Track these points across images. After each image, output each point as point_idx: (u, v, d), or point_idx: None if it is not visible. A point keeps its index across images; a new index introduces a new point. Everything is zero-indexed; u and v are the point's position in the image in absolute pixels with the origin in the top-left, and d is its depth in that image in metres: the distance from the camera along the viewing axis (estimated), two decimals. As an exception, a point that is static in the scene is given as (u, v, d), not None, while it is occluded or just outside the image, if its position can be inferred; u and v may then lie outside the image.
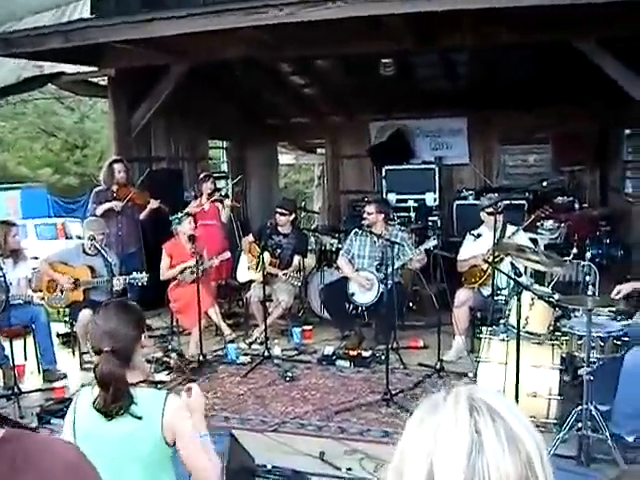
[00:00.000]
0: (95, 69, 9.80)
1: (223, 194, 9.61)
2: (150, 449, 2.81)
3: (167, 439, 2.80)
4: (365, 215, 8.02)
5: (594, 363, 4.78)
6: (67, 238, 21.23)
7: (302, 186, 30.01)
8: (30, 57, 8.85)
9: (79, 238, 18.05)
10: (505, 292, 6.10)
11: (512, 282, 5.69)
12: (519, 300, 5.01)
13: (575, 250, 7.51)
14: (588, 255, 7.33)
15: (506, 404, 1.16)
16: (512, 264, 5.58)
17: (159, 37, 7.65)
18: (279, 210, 8.54)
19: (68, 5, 8.49)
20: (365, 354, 7.45)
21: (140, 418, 2.77)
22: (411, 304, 9.30)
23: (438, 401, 1.16)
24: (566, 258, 6.92)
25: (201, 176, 9.74)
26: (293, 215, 8.68)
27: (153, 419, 2.79)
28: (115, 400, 2.76)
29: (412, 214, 11.27)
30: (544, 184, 10.45)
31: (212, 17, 6.95)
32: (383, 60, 10.56)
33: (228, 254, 8.44)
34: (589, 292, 4.78)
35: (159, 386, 3.13)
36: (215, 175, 10.74)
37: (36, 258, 10.46)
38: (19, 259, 7.31)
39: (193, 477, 2.86)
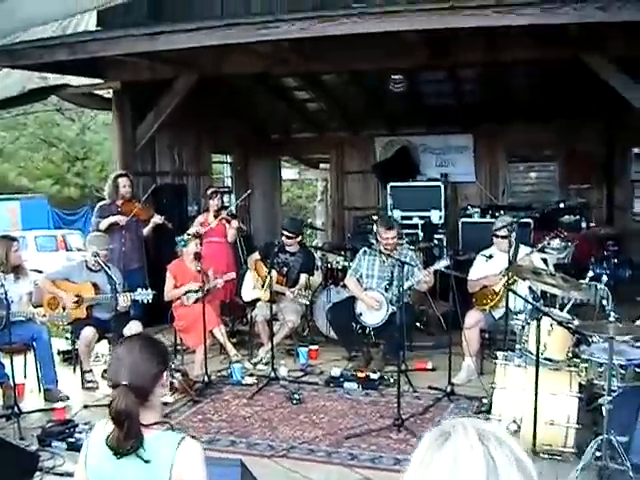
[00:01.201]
0: (100, 81, 9.70)
1: (230, 214, 9.44)
2: None
3: None
4: (384, 240, 7.68)
5: (614, 392, 4.65)
6: (67, 250, 21.10)
7: (304, 201, 29.94)
8: (35, 69, 8.74)
9: (79, 250, 18.01)
10: (521, 316, 5.95)
11: (529, 306, 5.56)
12: (538, 326, 4.87)
13: (591, 273, 7.38)
14: (604, 278, 7.21)
15: (504, 432, 1.32)
16: (530, 288, 5.45)
17: (166, 50, 7.56)
18: (285, 233, 8.41)
19: (74, 16, 8.38)
20: (373, 376, 7.30)
21: (148, 462, 2.61)
22: (419, 324, 9.16)
23: (448, 430, 1.30)
24: (582, 281, 6.79)
25: (209, 192, 9.61)
26: (300, 237, 8.57)
27: (162, 465, 2.62)
28: (127, 438, 2.60)
29: (419, 232, 11.14)
30: (561, 205, 10.32)
31: (222, 31, 6.84)
32: (393, 76, 10.48)
33: (233, 274, 8.29)
34: (611, 318, 4.63)
35: (175, 429, 2.92)
36: (222, 190, 10.62)
37: (37, 271, 10.36)
38: (20, 275, 7.16)
39: None
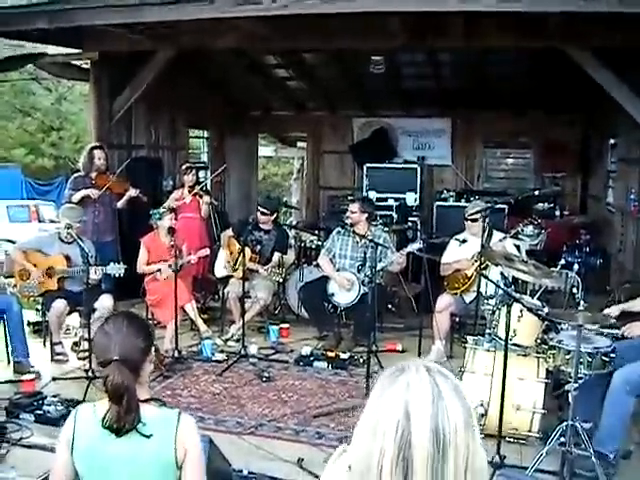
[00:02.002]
0: (78, 51, 9.58)
1: (204, 188, 9.42)
2: (158, 471, 2.65)
3: (179, 461, 2.65)
4: (348, 214, 7.91)
5: (581, 379, 4.70)
6: (39, 221, 20.89)
7: (280, 179, 29.88)
8: (13, 37, 8.63)
9: (52, 222, 17.84)
10: (492, 301, 5.99)
11: (500, 291, 5.60)
12: (509, 312, 4.91)
13: (563, 262, 7.44)
14: (575, 267, 7.27)
15: (448, 371, 1.62)
16: (502, 274, 5.49)
17: (146, 22, 7.49)
18: (261, 209, 8.43)
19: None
20: (343, 356, 7.34)
21: (149, 437, 2.62)
22: (390, 306, 9.20)
23: (402, 368, 1.59)
24: (554, 269, 6.84)
25: (183, 167, 9.56)
26: (275, 215, 8.58)
27: (165, 440, 2.64)
28: (128, 412, 2.60)
29: (394, 214, 11.16)
30: (536, 193, 10.38)
31: (203, 5, 6.79)
32: (373, 57, 10.46)
33: (207, 251, 8.26)
34: (580, 307, 4.67)
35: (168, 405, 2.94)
36: (197, 166, 10.56)
37: (9, 241, 10.27)
38: (-9, 245, 7.11)
39: None
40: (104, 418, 2.62)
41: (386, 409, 1.52)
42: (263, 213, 8.39)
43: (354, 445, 1.58)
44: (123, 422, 2.60)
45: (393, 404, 1.51)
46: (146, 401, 2.72)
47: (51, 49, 9.48)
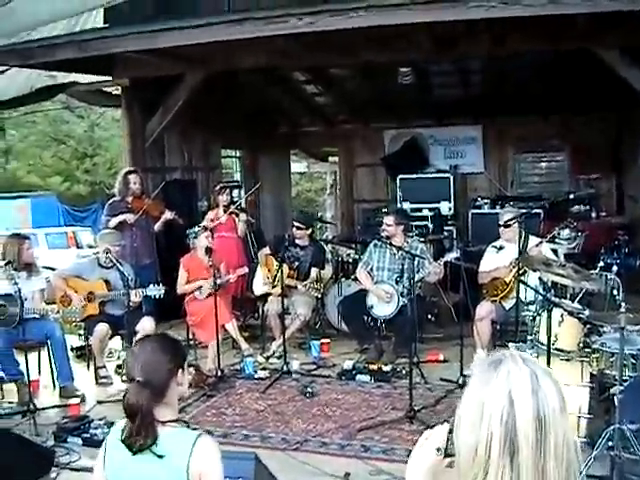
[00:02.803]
0: (108, 78, 9.72)
1: (239, 207, 9.48)
2: None
3: None
4: (384, 227, 7.89)
5: (626, 381, 4.66)
6: (78, 247, 21.15)
7: (314, 194, 29.94)
8: (43, 67, 8.77)
9: (90, 247, 18.04)
10: (532, 307, 5.95)
11: (539, 297, 5.57)
12: (549, 317, 4.88)
13: (601, 263, 7.38)
14: (614, 269, 7.20)
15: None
16: (540, 279, 5.45)
17: (174, 47, 7.57)
18: (296, 224, 8.46)
19: (81, 14, 8.40)
20: (385, 368, 7.32)
21: (161, 457, 2.64)
22: (430, 316, 9.17)
23: (499, 358, 1.67)
24: (592, 271, 6.78)
25: (217, 188, 9.60)
26: (310, 229, 8.60)
27: (178, 461, 2.65)
28: (139, 432, 2.64)
29: (429, 224, 11.13)
30: (571, 196, 10.31)
31: (231, 26, 6.85)
32: (401, 69, 10.49)
33: (245, 269, 8.31)
34: (622, 309, 4.63)
35: (191, 426, 2.96)
36: (231, 185, 10.63)
37: (49, 268, 10.39)
38: (33, 272, 7.18)
39: None
40: (122, 433, 2.69)
41: (491, 397, 1.61)
42: (299, 228, 8.42)
43: (460, 428, 1.66)
44: (135, 440, 2.64)
45: (497, 392, 1.61)
46: (168, 422, 2.75)
47: (82, 78, 9.61)
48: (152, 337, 2.94)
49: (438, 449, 1.84)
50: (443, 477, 1.93)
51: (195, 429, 2.89)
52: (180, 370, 2.83)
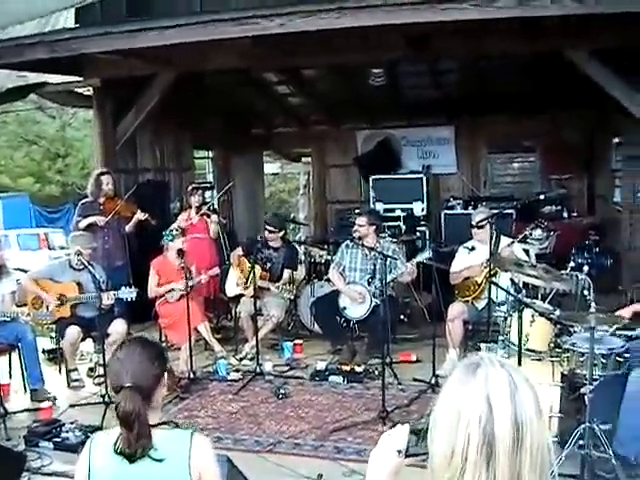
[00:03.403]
0: (80, 79, 9.65)
1: (211, 208, 9.45)
2: None
3: None
4: (356, 227, 7.91)
5: (596, 380, 4.69)
6: (50, 249, 21.01)
7: (287, 195, 29.93)
8: (14, 67, 8.69)
9: (62, 249, 17.92)
10: (503, 308, 5.99)
11: (511, 297, 5.60)
12: (520, 317, 4.91)
13: (572, 264, 7.44)
14: (585, 269, 7.26)
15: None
16: (512, 280, 5.49)
17: (145, 47, 7.53)
18: (268, 228, 8.46)
19: (52, 14, 8.33)
20: (358, 369, 7.34)
21: (161, 461, 2.63)
22: (402, 316, 9.19)
23: (477, 361, 1.68)
24: (563, 272, 6.83)
25: (189, 189, 9.57)
26: (282, 232, 8.60)
27: (179, 462, 2.65)
28: (139, 439, 2.61)
29: (401, 224, 11.15)
30: (541, 197, 10.38)
31: (201, 27, 6.83)
32: (373, 70, 10.50)
33: (217, 270, 8.29)
34: (592, 309, 4.67)
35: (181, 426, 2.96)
36: (203, 186, 10.59)
37: (20, 270, 10.31)
38: (3, 274, 7.11)
39: None
40: (116, 444, 2.65)
41: (468, 401, 1.63)
42: (270, 231, 8.42)
43: (436, 431, 1.67)
44: (134, 448, 2.61)
45: (475, 396, 1.62)
46: (158, 425, 2.74)
47: (52, 78, 9.54)
48: (136, 342, 2.90)
49: (399, 451, 1.84)
50: (412, 478, 1.96)
51: (187, 428, 2.89)
52: (165, 373, 2.84)
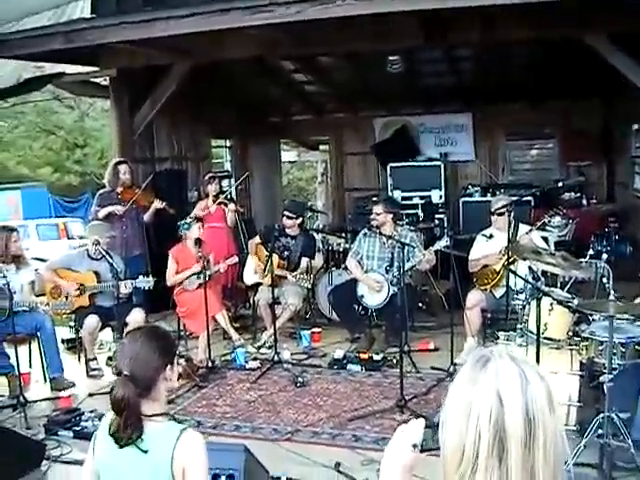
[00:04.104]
0: (96, 69, 9.66)
1: (228, 197, 9.44)
2: None
3: (176, 478, 2.66)
4: (373, 215, 7.88)
5: (615, 369, 4.66)
6: (69, 238, 21.09)
7: (304, 183, 29.91)
8: (30, 58, 8.70)
9: (81, 238, 17.99)
10: (521, 296, 5.94)
11: (529, 285, 5.56)
12: (538, 305, 4.88)
13: (591, 251, 7.39)
14: (605, 256, 7.20)
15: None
16: (530, 268, 5.45)
17: (162, 37, 7.52)
18: (286, 214, 8.44)
19: (68, 4, 8.33)
20: (376, 357, 7.34)
21: (145, 452, 2.64)
22: (420, 304, 9.17)
23: (486, 355, 1.66)
24: (582, 260, 6.79)
25: (206, 178, 9.56)
26: (300, 219, 8.57)
27: (162, 455, 2.65)
28: (125, 426, 2.64)
29: (420, 212, 11.11)
30: (560, 184, 10.31)
31: (217, 16, 6.79)
32: (390, 57, 10.44)
33: (235, 259, 8.28)
34: (611, 297, 4.64)
35: (178, 420, 2.95)
36: (220, 175, 10.59)
37: (40, 260, 10.37)
38: (21, 265, 7.14)
39: None
40: (110, 425, 2.70)
41: (479, 395, 1.60)
42: (289, 217, 8.40)
43: (447, 427, 1.65)
44: (122, 434, 2.65)
45: (485, 391, 1.60)
46: (154, 416, 2.75)
47: (69, 68, 9.54)
48: (143, 330, 2.91)
49: (415, 445, 1.80)
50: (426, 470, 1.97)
51: (181, 422, 2.88)
52: (169, 366, 2.83)
